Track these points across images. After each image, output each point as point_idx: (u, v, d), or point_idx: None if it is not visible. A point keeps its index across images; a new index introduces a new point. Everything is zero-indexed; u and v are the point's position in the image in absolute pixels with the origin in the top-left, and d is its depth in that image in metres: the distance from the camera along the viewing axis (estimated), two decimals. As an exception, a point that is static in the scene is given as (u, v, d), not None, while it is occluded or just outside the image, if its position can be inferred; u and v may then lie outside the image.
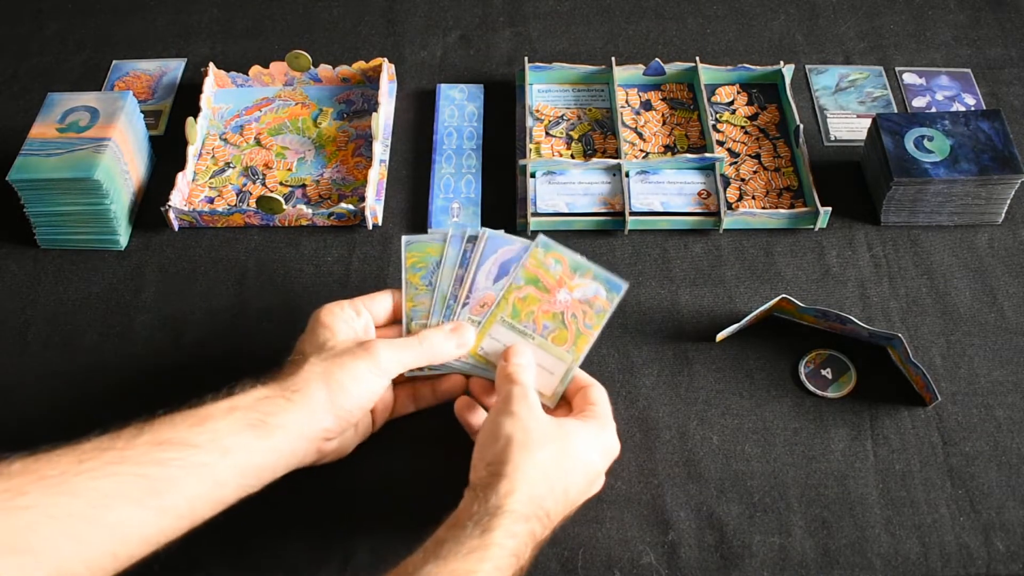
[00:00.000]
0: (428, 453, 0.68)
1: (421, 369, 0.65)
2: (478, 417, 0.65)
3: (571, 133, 0.89)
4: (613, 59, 0.91)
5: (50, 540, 0.49)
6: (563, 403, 0.66)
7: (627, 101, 0.91)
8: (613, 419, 0.63)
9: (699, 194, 0.83)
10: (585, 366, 0.72)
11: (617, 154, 0.85)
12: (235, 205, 0.84)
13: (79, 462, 0.51)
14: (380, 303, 0.67)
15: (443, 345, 0.64)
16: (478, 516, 0.53)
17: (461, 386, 0.67)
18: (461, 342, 0.65)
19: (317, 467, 0.64)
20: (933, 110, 0.90)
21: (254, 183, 0.86)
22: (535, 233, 0.70)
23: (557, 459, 0.57)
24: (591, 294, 0.66)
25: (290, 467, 0.59)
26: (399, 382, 0.67)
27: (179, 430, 0.55)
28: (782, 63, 0.91)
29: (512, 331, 0.66)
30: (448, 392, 0.68)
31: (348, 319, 0.64)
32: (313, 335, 0.63)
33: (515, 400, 0.60)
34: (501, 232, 0.69)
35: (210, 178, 0.86)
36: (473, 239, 0.69)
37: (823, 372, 0.72)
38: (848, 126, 0.90)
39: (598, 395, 0.64)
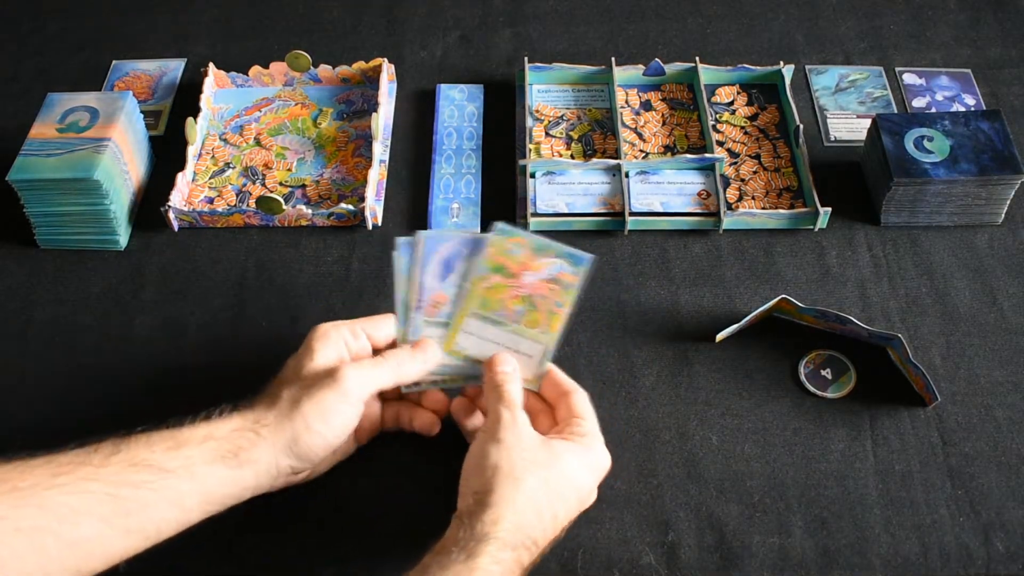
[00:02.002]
0: (430, 460, 0.68)
1: (415, 385, 0.65)
2: (474, 420, 0.65)
3: (571, 133, 0.89)
4: (613, 59, 0.91)
5: (15, 552, 0.49)
6: (546, 411, 0.65)
7: (627, 101, 0.91)
8: (599, 430, 0.62)
9: (699, 194, 0.83)
10: (584, 367, 0.72)
11: (617, 154, 0.85)
12: (235, 205, 0.84)
13: (53, 475, 0.51)
14: (381, 327, 0.65)
15: (408, 362, 0.63)
16: (464, 542, 0.53)
17: (433, 424, 0.66)
18: (426, 358, 0.64)
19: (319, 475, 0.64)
20: (933, 110, 0.90)
21: (254, 183, 0.86)
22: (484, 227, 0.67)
23: (545, 485, 0.57)
24: (556, 271, 0.63)
25: (256, 494, 0.59)
26: (389, 398, 0.67)
27: (155, 452, 0.55)
28: (782, 63, 0.91)
29: (485, 322, 0.64)
30: (422, 428, 0.66)
31: (340, 343, 0.63)
32: (298, 358, 0.62)
33: (503, 427, 0.58)
34: (434, 231, 0.67)
35: (210, 178, 0.86)
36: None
37: (823, 372, 0.72)
38: (848, 126, 0.90)
39: (582, 406, 0.63)
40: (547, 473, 0.57)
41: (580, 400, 0.63)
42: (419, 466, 0.68)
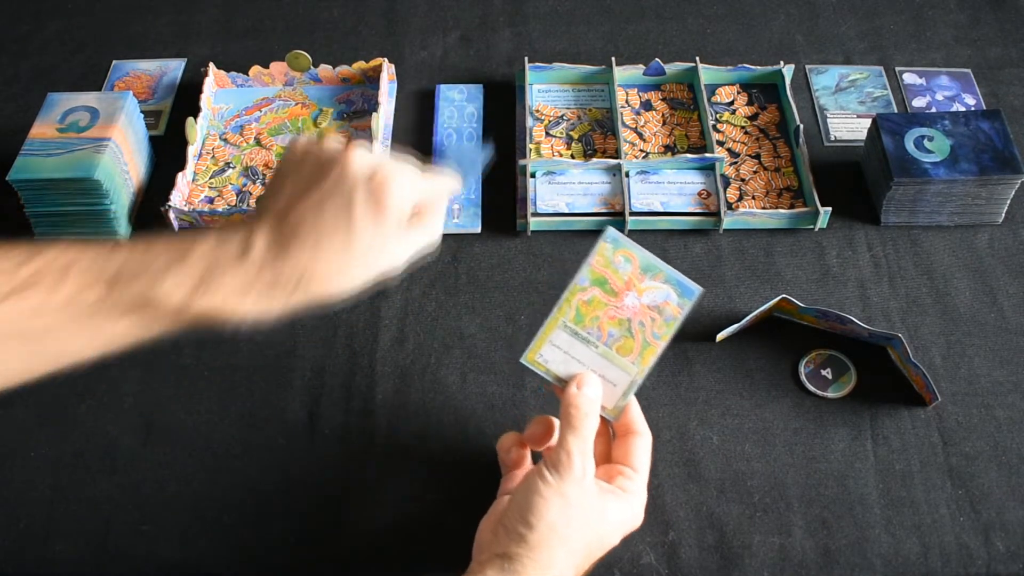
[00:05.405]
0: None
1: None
2: (521, 462, 0.63)
3: (571, 133, 0.89)
4: (613, 59, 0.91)
5: None
6: (604, 434, 0.63)
7: (627, 101, 0.91)
8: (646, 487, 0.60)
9: (699, 194, 0.83)
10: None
11: (617, 154, 0.85)
12: (235, 205, 0.84)
13: None
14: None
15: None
16: None
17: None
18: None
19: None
20: (933, 110, 0.90)
21: (254, 183, 0.86)
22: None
23: (587, 547, 0.56)
24: (661, 299, 0.60)
25: None
26: None
27: None
28: (782, 63, 0.91)
29: (575, 338, 0.60)
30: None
31: None
32: None
33: (572, 479, 0.55)
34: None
35: (210, 178, 0.86)
36: None
37: (823, 372, 0.72)
38: (848, 126, 0.90)
39: (642, 456, 0.61)
40: (593, 537, 0.56)
41: (642, 447, 0.61)
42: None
